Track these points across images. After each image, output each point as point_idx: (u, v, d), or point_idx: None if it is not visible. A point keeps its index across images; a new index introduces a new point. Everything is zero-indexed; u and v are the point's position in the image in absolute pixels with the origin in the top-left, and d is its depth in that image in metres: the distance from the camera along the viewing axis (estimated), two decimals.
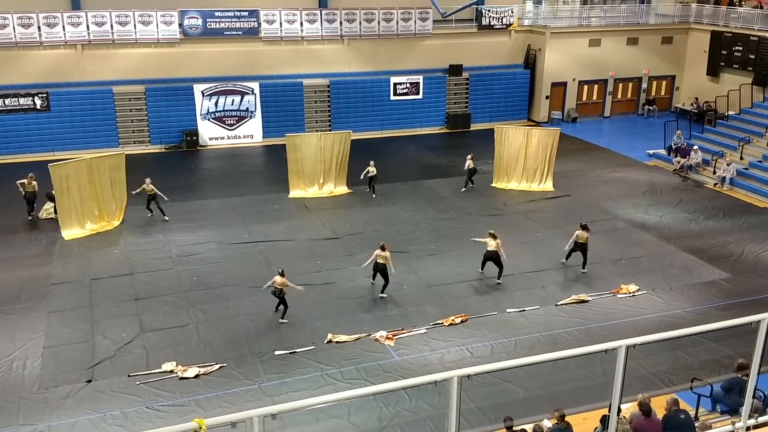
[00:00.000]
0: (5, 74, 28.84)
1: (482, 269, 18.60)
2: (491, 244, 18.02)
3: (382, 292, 17.42)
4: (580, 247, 18.83)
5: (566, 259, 19.36)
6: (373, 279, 17.90)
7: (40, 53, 29.32)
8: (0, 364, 14.43)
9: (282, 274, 16.09)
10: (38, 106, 29.17)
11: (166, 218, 22.37)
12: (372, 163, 24.90)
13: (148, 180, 22.21)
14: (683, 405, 10.62)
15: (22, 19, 28.52)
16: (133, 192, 22.24)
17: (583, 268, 18.99)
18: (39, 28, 28.83)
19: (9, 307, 16.79)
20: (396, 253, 19.87)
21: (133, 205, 23.01)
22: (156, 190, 22.31)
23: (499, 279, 18.21)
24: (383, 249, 17.20)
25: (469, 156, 25.72)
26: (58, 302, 17.07)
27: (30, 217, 22.33)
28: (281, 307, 16.34)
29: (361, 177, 24.79)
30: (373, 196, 24.54)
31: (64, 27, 29.09)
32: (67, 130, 29.62)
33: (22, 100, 28.91)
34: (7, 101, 28.72)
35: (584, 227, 18.83)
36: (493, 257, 18.07)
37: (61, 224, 21.12)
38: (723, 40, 34.93)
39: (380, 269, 17.27)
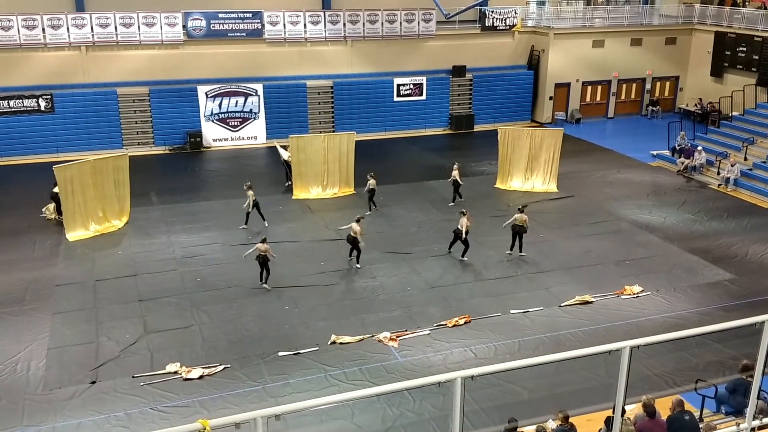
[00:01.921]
0: (9, 76, 28.93)
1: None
2: (462, 222, 19.29)
3: (357, 263, 19.07)
4: (518, 229, 19.63)
5: (510, 250, 19.95)
6: (350, 255, 19.24)
7: (45, 55, 29.40)
8: (5, 365, 14.46)
9: (264, 242, 17.65)
10: (42, 108, 29.25)
11: (266, 223, 21.93)
12: (371, 174, 23.31)
13: (249, 184, 21.70)
14: (688, 406, 10.59)
15: (26, 21, 28.61)
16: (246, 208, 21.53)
17: (521, 251, 19.82)
18: (43, 29, 28.92)
19: (14, 309, 16.82)
20: (399, 254, 19.97)
21: (137, 207, 23.08)
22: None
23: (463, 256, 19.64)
24: (357, 222, 18.94)
25: (456, 165, 24.29)
26: (62, 303, 17.10)
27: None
28: (264, 273, 17.85)
29: (365, 191, 23.29)
30: (369, 212, 22.89)
31: (68, 29, 29.16)
32: (71, 131, 29.68)
33: (26, 102, 28.99)
34: (11, 103, 28.80)
35: (521, 210, 19.72)
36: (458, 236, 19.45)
37: (66, 226, 21.17)
38: (727, 40, 34.88)
39: (351, 240, 18.86)
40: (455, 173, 24.10)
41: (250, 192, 21.48)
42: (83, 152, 27.97)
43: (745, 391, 10.91)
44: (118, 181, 22.17)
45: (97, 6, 30.15)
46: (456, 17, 32.75)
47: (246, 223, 21.71)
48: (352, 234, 18.84)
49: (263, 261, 17.73)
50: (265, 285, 17.86)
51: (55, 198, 21.81)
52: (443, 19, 32.57)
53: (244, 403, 13.16)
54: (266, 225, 21.83)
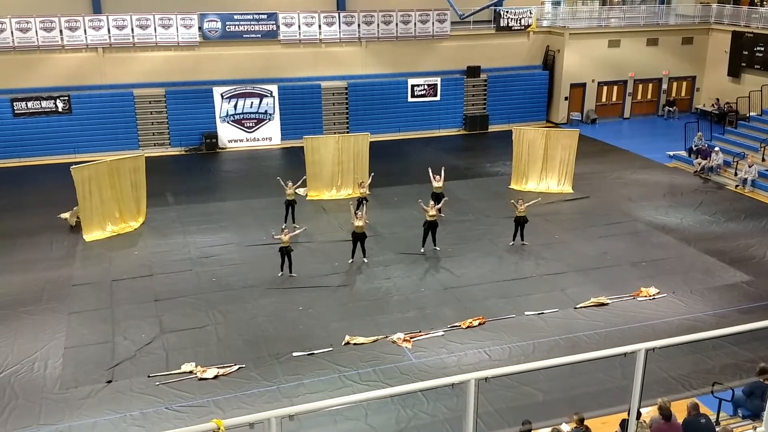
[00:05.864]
0: (28, 77, 29.22)
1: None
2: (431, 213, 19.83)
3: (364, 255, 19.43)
4: (519, 220, 20.25)
5: (513, 239, 20.47)
6: (353, 256, 19.39)
7: (62, 56, 29.67)
8: (22, 364, 14.61)
9: (285, 232, 18.35)
10: (60, 109, 29.52)
11: (296, 226, 21.32)
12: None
13: (290, 183, 21.80)
14: (704, 409, 10.53)
15: (44, 23, 28.88)
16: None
17: (522, 240, 20.44)
18: (61, 31, 29.18)
19: (31, 308, 16.99)
20: (413, 255, 19.96)
21: (153, 207, 23.23)
22: (295, 196, 21.93)
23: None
24: (358, 217, 19.14)
25: (435, 174, 22.37)
26: (79, 303, 17.25)
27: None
28: (285, 265, 18.44)
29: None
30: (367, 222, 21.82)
31: (85, 30, 29.42)
32: (88, 132, 29.93)
33: (44, 103, 29.27)
34: (29, 104, 29.09)
35: (515, 203, 20.37)
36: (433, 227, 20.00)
37: (83, 226, 21.33)
38: (744, 40, 34.56)
39: (359, 237, 19.21)
40: (437, 184, 22.18)
41: (288, 191, 21.71)
42: (100, 153, 28.18)
43: (762, 394, 10.80)
44: (135, 181, 22.31)
45: (113, 8, 30.38)
46: (470, 18, 32.71)
47: (293, 222, 21.65)
48: (357, 231, 19.17)
49: (288, 250, 18.41)
50: (293, 275, 18.51)
51: None
52: (458, 19, 32.54)
53: (258, 403, 13.21)
54: (296, 227, 21.82)
